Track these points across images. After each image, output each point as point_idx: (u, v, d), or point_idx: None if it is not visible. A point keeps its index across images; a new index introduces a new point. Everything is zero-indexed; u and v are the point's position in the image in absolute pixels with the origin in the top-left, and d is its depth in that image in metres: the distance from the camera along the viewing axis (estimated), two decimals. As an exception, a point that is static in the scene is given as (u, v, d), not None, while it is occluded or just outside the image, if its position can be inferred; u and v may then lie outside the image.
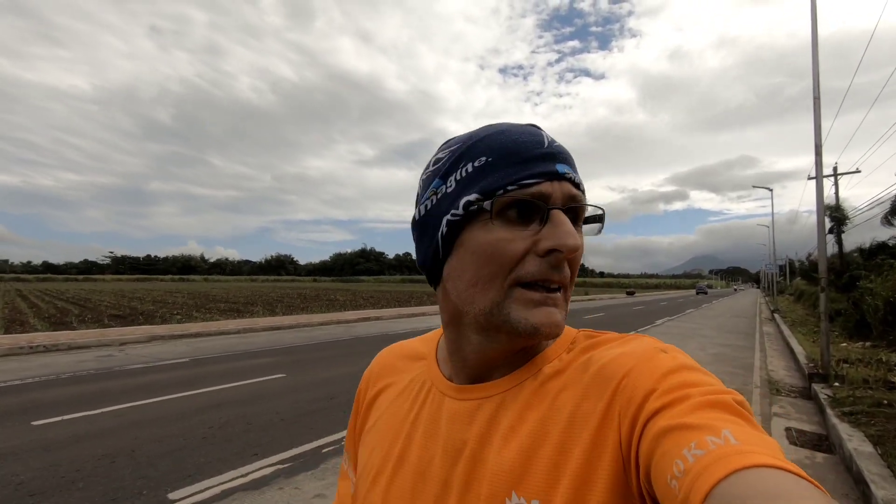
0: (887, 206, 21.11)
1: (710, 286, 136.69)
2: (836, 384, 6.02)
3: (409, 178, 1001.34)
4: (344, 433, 4.28)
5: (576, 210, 0.46)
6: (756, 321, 18.75)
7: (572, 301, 0.70)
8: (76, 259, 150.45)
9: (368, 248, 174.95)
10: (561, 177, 0.45)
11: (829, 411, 4.87)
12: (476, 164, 0.46)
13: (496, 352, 0.48)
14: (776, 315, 20.17)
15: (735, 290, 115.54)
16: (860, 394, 5.06)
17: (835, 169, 26.21)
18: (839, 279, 18.76)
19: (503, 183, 0.44)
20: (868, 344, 10.37)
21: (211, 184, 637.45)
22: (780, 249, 34.23)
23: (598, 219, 0.49)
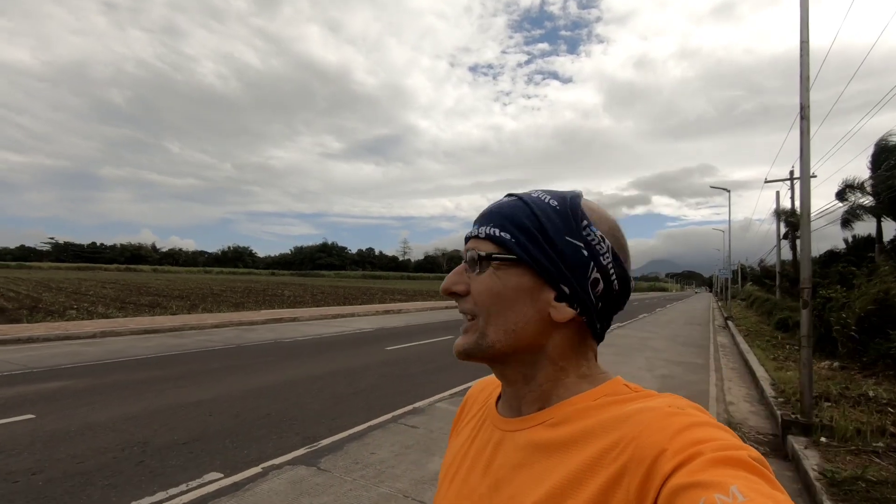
0: (833, 216, 21.04)
1: (672, 289, 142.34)
2: (823, 439, 4.26)
3: (376, 173, 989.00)
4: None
5: (476, 256, 0.52)
6: (710, 329, 17.50)
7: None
8: (13, 245, 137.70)
9: (330, 242, 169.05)
10: (468, 238, 0.55)
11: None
12: None
13: (509, 382, 0.54)
14: (730, 323, 19.06)
15: (696, 292, 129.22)
16: (874, 474, 3.22)
17: (791, 173, 25.65)
18: (794, 286, 17.81)
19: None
20: (836, 364, 8.92)
21: (168, 171, 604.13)
22: (733, 256, 34.11)
23: (503, 254, 0.51)
